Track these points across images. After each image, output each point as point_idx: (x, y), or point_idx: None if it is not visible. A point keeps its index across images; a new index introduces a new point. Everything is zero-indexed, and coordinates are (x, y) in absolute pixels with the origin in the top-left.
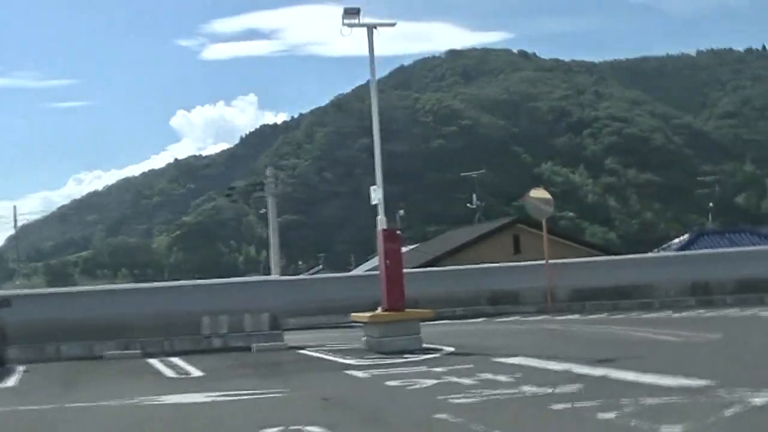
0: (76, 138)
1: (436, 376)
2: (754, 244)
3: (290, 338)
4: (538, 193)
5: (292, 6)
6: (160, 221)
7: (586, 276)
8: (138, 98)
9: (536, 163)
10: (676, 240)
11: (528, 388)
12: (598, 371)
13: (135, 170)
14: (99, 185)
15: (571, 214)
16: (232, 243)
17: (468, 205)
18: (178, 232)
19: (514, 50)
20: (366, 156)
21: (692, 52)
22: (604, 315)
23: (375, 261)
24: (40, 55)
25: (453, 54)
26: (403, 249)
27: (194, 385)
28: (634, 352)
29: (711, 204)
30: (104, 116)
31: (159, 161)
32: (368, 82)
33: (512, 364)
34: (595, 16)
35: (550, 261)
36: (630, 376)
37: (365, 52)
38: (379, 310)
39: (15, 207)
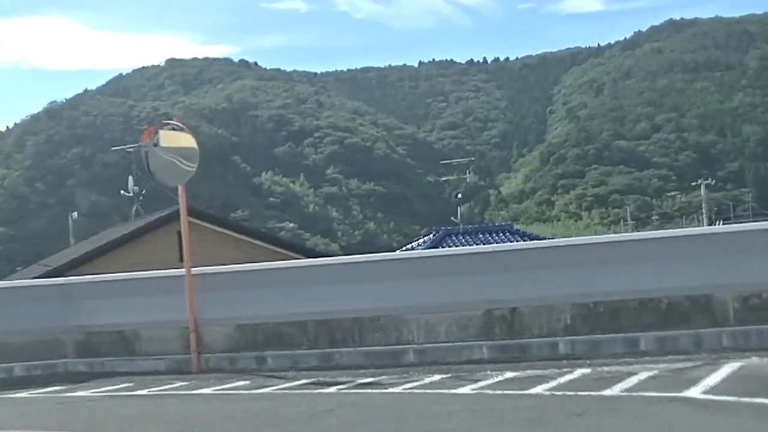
0: None
1: None
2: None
3: None
4: (171, 136)
5: (16, 17)
6: None
7: (266, 299)
8: None
9: (256, 172)
10: (415, 243)
11: None
12: None
13: None
14: None
15: (291, 224)
16: None
17: (122, 192)
18: None
19: (236, 60)
20: (79, 166)
21: (414, 63)
22: (303, 381)
23: None
24: None
25: (173, 63)
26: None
27: None
28: None
29: (459, 195)
30: None
31: None
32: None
33: None
34: (320, 31)
35: (195, 270)
36: None
37: (86, 64)
38: None
39: None
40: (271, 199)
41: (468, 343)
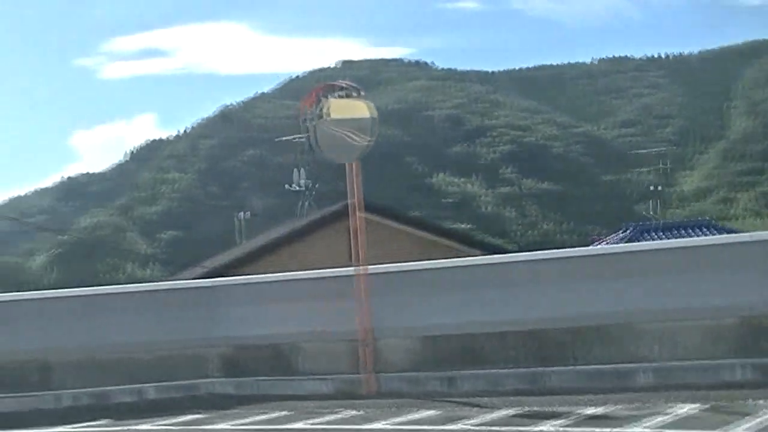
0: None
1: None
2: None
3: None
4: (342, 106)
5: (189, 24)
6: (43, 240)
7: (456, 304)
8: (36, 119)
9: (429, 173)
10: (604, 242)
11: None
12: None
13: (27, 190)
14: None
15: (466, 225)
16: (111, 261)
17: (288, 186)
18: (59, 250)
19: (409, 60)
20: (252, 168)
21: (588, 60)
22: (507, 412)
23: None
24: None
25: (346, 65)
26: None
27: None
28: None
29: (658, 187)
30: (0, 137)
31: (52, 181)
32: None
33: None
34: (493, 30)
35: (370, 269)
36: None
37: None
38: None
39: None
40: (445, 200)
41: (721, 361)
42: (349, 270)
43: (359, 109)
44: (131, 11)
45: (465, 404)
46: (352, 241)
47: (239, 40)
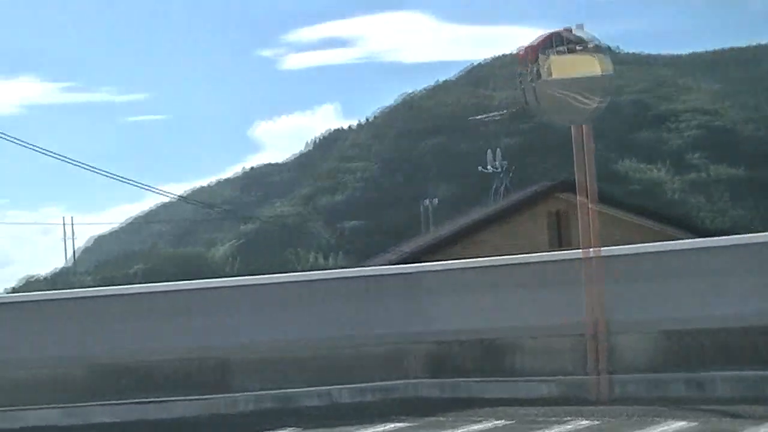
0: (154, 151)
1: None
2: None
3: None
4: (567, 63)
5: (371, 14)
6: (226, 230)
7: (696, 292)
8: (217, 110)
9: (615, 159)
10: None
11: None
12: None
13: (210, 181)
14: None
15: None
16: (294, 250)
17: (481, 168)
18: (242, 240)
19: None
20: (437, 157)
21: None
22: None
23: None
24: (120, 70)
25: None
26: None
27: None
28: None
29: None
30: (183, 129)
31: (234, 171)
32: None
33: None
34: (678, 13)
35: (605, 250)
36: None
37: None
38: None
39: (72, 218)
40: (631, 186)
41: None
42: (576, 253)
43: (589, 64)
44: (312, 2)
45: (722, 414)
46: (580, 219)
47: (420, 28)
